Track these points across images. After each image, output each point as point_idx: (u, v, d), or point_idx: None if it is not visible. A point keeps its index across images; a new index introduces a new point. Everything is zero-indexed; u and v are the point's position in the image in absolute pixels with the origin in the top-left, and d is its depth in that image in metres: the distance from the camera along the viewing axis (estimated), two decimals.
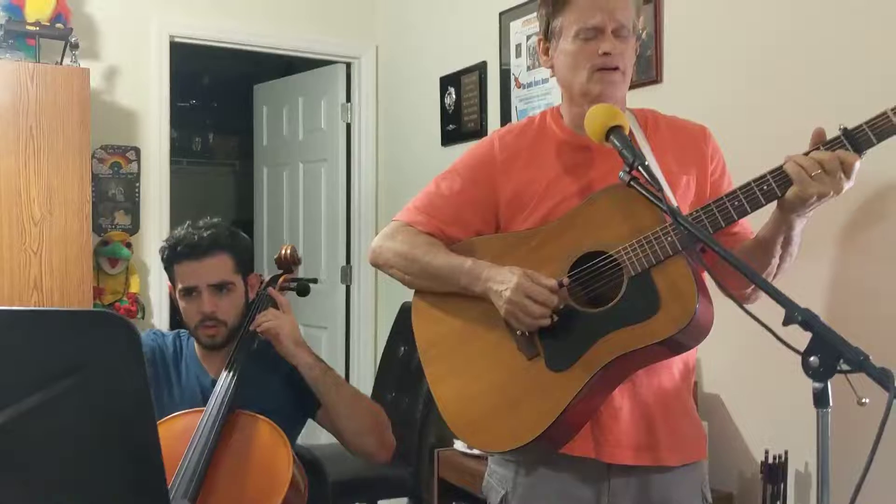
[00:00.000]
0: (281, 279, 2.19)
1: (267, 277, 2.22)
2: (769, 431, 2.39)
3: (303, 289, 2.22)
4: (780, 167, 1.46)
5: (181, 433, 1.83)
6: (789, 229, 1.54)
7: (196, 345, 2.12)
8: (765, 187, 1.46)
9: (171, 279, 2.08)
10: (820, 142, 1.46)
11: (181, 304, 2.05)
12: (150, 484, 1.17)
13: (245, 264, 2.10)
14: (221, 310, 2.03)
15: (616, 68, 1.63)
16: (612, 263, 1.56)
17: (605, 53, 1.61)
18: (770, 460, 2.26)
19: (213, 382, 1.99)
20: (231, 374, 1.95)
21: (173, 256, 2.04)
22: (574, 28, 1.63)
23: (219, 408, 1.87)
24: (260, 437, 1.87)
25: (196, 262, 2.02)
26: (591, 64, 1.63)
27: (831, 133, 1.45)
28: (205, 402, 1.92)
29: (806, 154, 1.45)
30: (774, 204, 1.50)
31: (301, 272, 4.79)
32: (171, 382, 2.07)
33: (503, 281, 1.59)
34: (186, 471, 1.75)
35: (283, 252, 2.24)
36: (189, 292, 2.03)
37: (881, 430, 1.08)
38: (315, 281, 2.32)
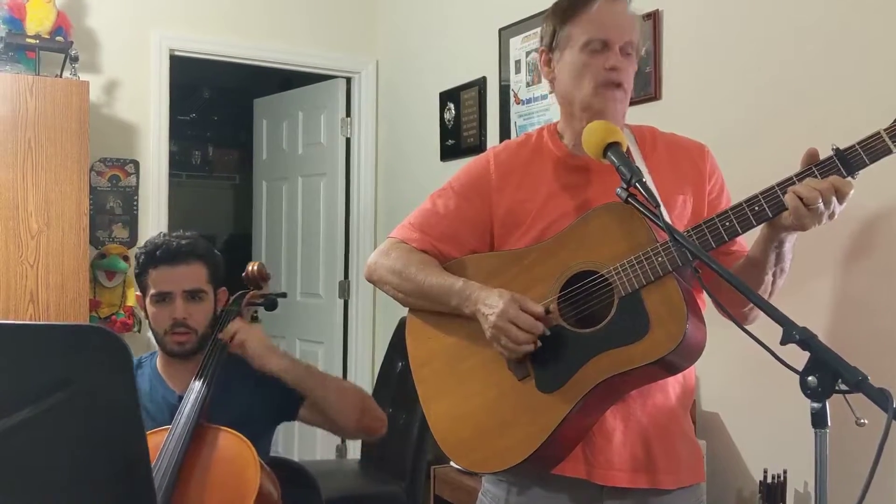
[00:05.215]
0: (248, 295, 2.20)
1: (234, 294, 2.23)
2: (768, 450, 2.37)
3: (271, 304, 2.23)
4: (772, 188, 1.45)
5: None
6: (780, 245, 1.53)
7: (158, 361, 2.11)
8: (756, 208, 1.45)
9: (143, 286, 2.08)
10: (812, 162, 1.44)
11: (151, 310, 2.05)
12: (140, 498, 1.16)
13: (217, 277, 2.12)
14: (193, 318, 2.03)
15: (620, 85, 1.62)
16: (603, 283, 1.54)
17: (612, 68, 1.60)
18: (769, 480, 2.25)
19: (179, 398, 1.98)
20: (200, 387, 1.94)
21: (150, 261, 2.05)
22: (583, 38, 1.62)
23: (185, 424, 1.86)
24: (226, 449, 1.86)
25: (172, 267, 2.03)
26: (595, 78, 1.62)
27: (825, 152, 1.44)
28: (171, 418, 1.91)
29: (798, 176, 1.44)
30: None
31: (297, 287, 4.80)
32: None
33: (490, 305, 1.58)
34: None
35: (251, 269, 2.25)
36: (162, 298, 2.03)
37: (880, 451, 1.06)
38: (284, 295, 2.33)
